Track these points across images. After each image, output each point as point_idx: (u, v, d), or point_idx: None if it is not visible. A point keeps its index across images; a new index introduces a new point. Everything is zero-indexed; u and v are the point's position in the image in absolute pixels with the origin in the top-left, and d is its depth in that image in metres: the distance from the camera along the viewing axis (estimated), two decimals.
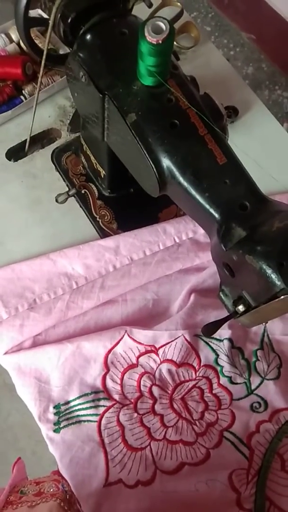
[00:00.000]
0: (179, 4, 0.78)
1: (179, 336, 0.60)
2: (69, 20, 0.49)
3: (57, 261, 0.65)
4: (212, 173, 0.45)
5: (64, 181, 0.70)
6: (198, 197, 0.45)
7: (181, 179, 0.45)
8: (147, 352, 0.61)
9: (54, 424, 0.59)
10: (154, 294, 0.64)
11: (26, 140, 0.71)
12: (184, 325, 0.60)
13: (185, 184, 0.45)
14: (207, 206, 0.45)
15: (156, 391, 0.60)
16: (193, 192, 0.45)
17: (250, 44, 1.84)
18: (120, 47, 0.47)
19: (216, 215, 0.44)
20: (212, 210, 0.44)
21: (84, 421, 0.59)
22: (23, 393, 0.60)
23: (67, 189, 0.70)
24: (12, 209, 0.68)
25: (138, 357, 0.61)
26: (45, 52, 0.56)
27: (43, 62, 0.57)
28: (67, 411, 0.59)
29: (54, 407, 0.59)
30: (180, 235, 0.66)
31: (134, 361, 0.61)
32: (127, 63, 0.47)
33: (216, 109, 0.48)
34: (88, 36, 0.49)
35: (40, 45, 0.67)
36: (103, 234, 0.67)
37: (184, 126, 0.45)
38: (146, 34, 0.40)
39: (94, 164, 0.65)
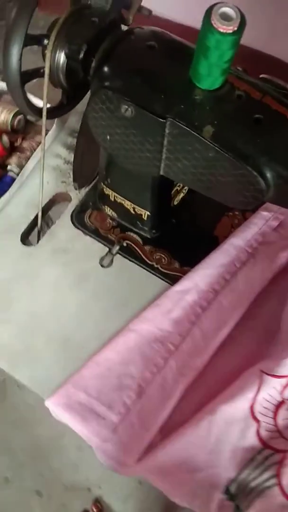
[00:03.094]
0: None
1: None
2: (80, 55, 0.41)
3: (140, 329, 0.55)
4: None
5: (99, 242, 0.61)
6: None
7: None
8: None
9: (236, 510, 0.48)
10: (260, 318, 0.56)
11: (36, 217, 0.61)
12: None
13: None
14: None
15: None
16: None
17: None
18: (156, 61, 0.40)
19: None
20: None
21: (265, 489, 0.49)
22: (179, 495, 0.49)
23: (107, 249, 0.60)
24: (59, 297, 0.58)
25: (281, 393, 0.52)
26: (44, 107, 0.48)
27: (44, 119, 0.49)
28: (241, 489, 0.49)
29: (224, 493, 0.49)
30: (250, 243, 0.59)
31: (279, 399, 0.52)
32: (173, 75, 0.40)
33: (285, 89, 0.42)
34: (110, 65, 0.41)
35: None
36: (170, 278, 0.58)
37: (269, 117, 0.39)
38: (215, 23, 0.33)
39: (131, 209, 0.57)
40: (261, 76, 0.43)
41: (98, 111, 0.42)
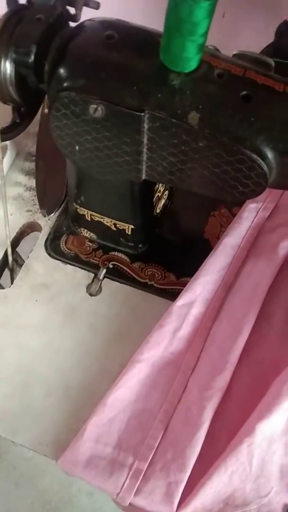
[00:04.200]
0: None
1: None
2: (31, 58, 0.35)
3: (148, 358, 0.48)
4: None
5: (82, 268, 0.54)
6: None
7: None
8: None
9: None
10: (276, 316, 0.51)
11: (5, 255, 0.54)
12: None
13: None
14: None
15: None
16: None
17: None
18: (119, 50, 0.35)
19: None
20: None
21: None
22: None
23: (92, 275, 0.54)
24: (50, 339, 0.50)
25: None
26: None
27: None
28: None
29: None
30: (246, 239, 0.54)
31: None
32: (142, 62, 0.35)
33: (262, 62, 0.38)
34: (68, 63, 0.35)
35: None
36: (168, 294, 0.53)
37: (258, 92, 0.34)
38: None
39: (112, 226, 0.51)
40: (234, 52, 0.38)
41: (62, 118, 0.36)
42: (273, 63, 0.38)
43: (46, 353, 0.50)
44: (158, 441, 0.45)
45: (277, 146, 0.34)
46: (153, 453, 0.45)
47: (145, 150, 0.37)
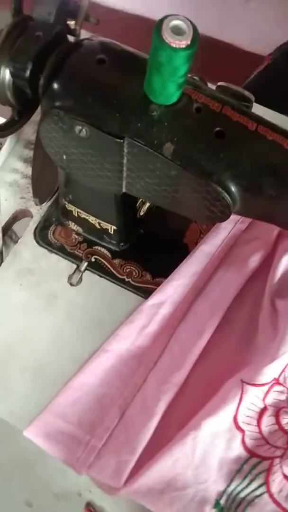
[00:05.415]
0: None
1: None
2: (26, 73, 0.38)
3: (116, 349, 0.53)
4: None
5: (66, 259, 0.58)
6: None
7: (256, 189, 0.37)
8: (269, 389, 0.52)
9: None
10: (237, 324, 0.55)
11: None
12: None
13: (266, 191, 0.37)
14: None
15: None
16: (278, 195, 0.37)
17: None
18: (107, 76, 0.38)
19: None
20: None
21: (254, 498, 0.49)
22: None
23: (75, 266, 0.58)
24: (29, 321, 0.55)
25: (263, 400, 0.52)
26: None
27: None
28: (231, 501, 0.49)
29: (214, 507, 0.48)
30: (221, 248, 0.57)
31: (262, 405, 0.51)
32: (127, 90, 0.37)
33: (243, 96, 0.40)
34: (60, 82, 0.38)
35: None
36: (143, 292, 0.57)
37: (231, 129, 0.37)
38: (166, 38, 0.31)
39: (96, 224, 0.54)
40: (218, 84, 0.41)
41: (51, 131, 0.39)
42: (253, 98, 0.41)
43: (24, 333, 0.55)
44: (114, 424, 0.50)
45: (241, 182, 0.37)
46: (108, 434, 0.50)
47: (125, 169, 0.40)
